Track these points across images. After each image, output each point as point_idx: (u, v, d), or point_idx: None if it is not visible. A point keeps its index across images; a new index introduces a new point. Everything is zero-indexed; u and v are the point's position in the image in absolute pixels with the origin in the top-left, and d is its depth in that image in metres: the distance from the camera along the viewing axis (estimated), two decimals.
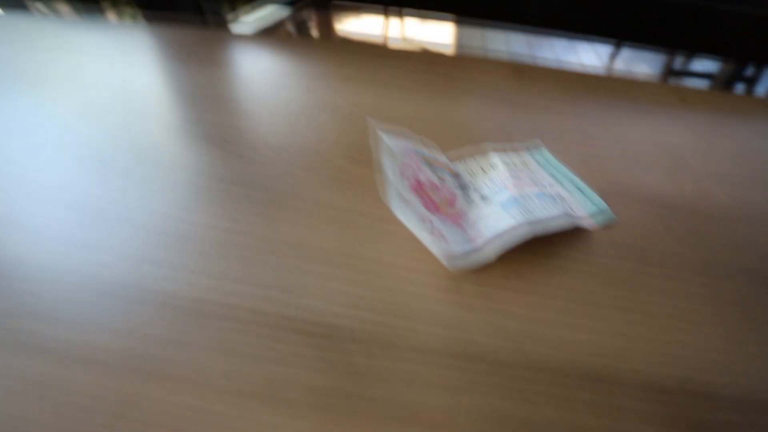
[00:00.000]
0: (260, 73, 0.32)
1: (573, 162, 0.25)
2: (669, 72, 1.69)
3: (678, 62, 1.78)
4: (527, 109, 0.29)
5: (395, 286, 0.17)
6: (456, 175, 0.22)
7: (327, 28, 1.55)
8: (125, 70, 0.31)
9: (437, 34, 2.19)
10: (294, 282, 0.17)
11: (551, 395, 0.14)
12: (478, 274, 0.18)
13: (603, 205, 0.22)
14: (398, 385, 0.14)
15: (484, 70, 0.33)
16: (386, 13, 2.10)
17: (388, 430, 0.13)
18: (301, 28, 1.16)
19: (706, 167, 0.26)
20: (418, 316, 0.16)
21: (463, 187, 0.22)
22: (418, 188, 0.19)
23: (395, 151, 0.19)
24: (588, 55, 2.15)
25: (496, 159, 0.23)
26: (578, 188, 0.23)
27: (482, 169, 0.23)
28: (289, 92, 0.30)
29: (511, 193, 0.20)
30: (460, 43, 2.21)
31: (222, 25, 0.58)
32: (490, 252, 0.18)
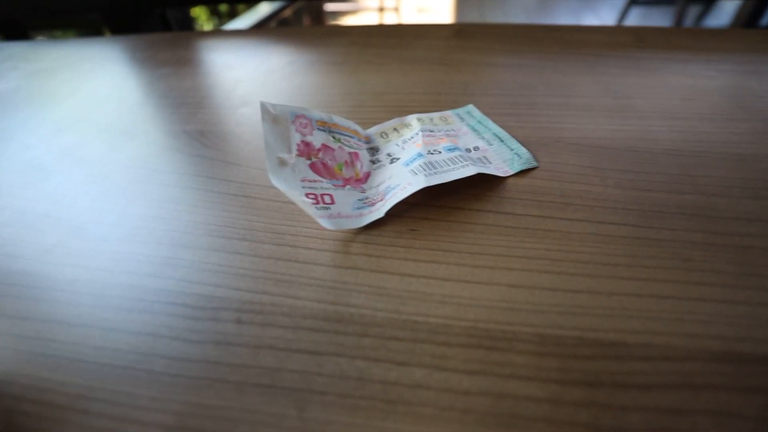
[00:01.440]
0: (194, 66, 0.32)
1: (502, 113, 0.23)
2: None
3: (690, 19, 1.68)
4: (461, 68, 0.27)
5: (281, 254, 0.16)
6: (367, 140, 0.21)
7: (319, 22, 1.55)
8: (101, 80, 0.31)
9: (434, 19, 2.16)
10: (177, 259, 0.16)
11: (425, 354, 0.13)
12: (369, 234, 0.16)
13: (522, 150, 0.20)
14: (263, 351, 0.13)
15: (422, 35, 0.32)
16: (381, 8, 2.08)
17: (244, 397, 0.12)
18: (289, 23, 1.17)
19: (652, 106, 0.23)
20: (298, 282, 0.15)
21: (373, 149, 0.20)
22: (307, 151, 0.18)
23: (279, 116, 0.18)
24: (590, 22, 2.06)
25: (412, 118, 0.22)
26: (498, 137, 0.21)
27: (396, 129, 0.21)
28: (217, 81, 0.29)
29: (418, 149, 0.19)
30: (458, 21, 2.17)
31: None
32: (381, 209, 0.16)
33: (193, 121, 0.25)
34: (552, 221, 0.16)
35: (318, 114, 0.19)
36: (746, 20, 1.04)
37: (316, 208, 0.16)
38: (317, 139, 0.18)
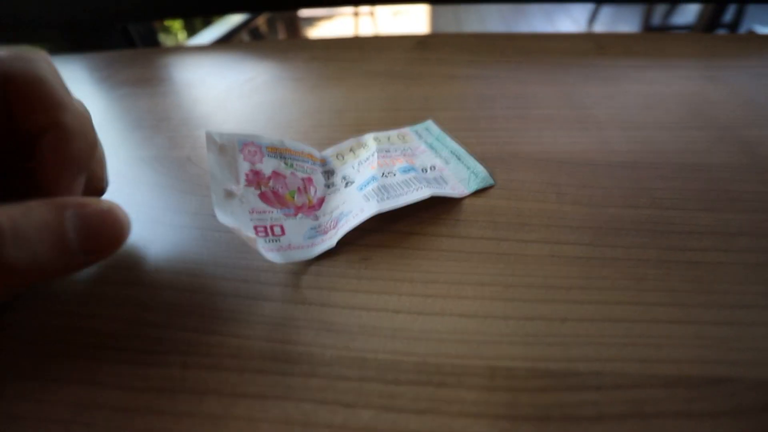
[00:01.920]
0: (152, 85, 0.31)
1: (462, 128, 0.23)
2: (648, 28, 1.63)
3: (657, 17, 1.73)
4: (422, 81, 0.27)
5: (230, 289, 0.16)
6: (322, 162, 0.20)
7: (294, 35, 1.54)
8: None
9: (410, 26, 2.16)
10: (125, 298, 0.16)
11: (373, 394, 0.12)
12: (321, 265, 0.16)
13: (479, 168, 0.20)
14: (208, 397, 0.13)
15: (384, 47, 0.31)
16: (356, 12, 2.08)
17: None
18: (256, 35, 1.16)
19: (611, 115, 0.23)
20: (246, 320, 0.14)
21: (328, 173, 0.20)
22: (256, 180, 0.17)
23: (225, 145, 0.17)
24: (566, 25, 2.10)
25: (369, 137, 0.21)
26: (455, 155, 0.20)
27: (352, 150, 0.21)
28: (173, 101, 0.28)
29: (372, 171, 0.18)
30: (434, 29, 2.18)
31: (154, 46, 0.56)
32: (333, 238, 0.16)
33: (148, 146, 0.24)
34: (507, 243, 0.16)
35: (268, 140, 0.18)
36: (710, 17, 1.07)
37: (265, 241, 0.15)
38: (267, 166, 0.18)
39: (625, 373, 0.12)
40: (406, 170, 0.19)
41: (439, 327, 0.14)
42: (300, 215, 0.17)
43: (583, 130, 0.22)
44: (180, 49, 0.37)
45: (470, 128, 0.23)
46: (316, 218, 0.17)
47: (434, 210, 0.18)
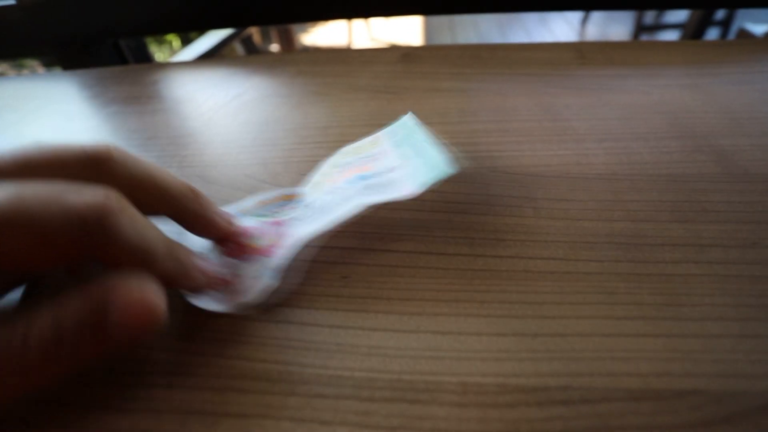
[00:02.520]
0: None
1: (441, 143, 0.23)
2: (640, 28, 1.65)
3: (649, 17, 1.74)
4: (405, 96, 0.27)
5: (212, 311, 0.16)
6: (298, 197, 0.20)
7: (287, 42, 1.55)
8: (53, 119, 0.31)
9: (404, 31, 2.17)
10: None
11: (349, 411, 0.13)
12: (302, 285, 0.16)
13: (437, 162, 0.18)
14: (191, 418, 0.13)
15: (369, 60, 0.32)
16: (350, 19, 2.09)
17: None
18: (249, 45, 1.16)
19: (589, 127, 0.24)
20: (230, 340, 0.15)
21: (301, 203, 0.19)
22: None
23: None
24: (560, 26, 2.11)
25: (338, 155, 0.21)
26: (418, 151, 0.19)
27: (322, 172, 0.20)
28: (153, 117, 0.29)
29: (325, 190, 0.18)
30: (428, 36, 2.19)
31: (146, 61, 0.57)
32: (271, 278, 0.16)
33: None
34: (482, 260, 0.17)
35: (242, 207, 0.19)
36: (701, 16, 1.08)
37: (219, 299, 0.15)
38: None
39: (593, 387, 0.13)
40: (351, 181, 0.18)
41: (414, 344, 0.14)
42: (258, 256, 0.17)
43: (561, 142, 0.23)
44: (169, 66, 0.38)
45: (450, 142, 0.23)
46: (273, 254, 0.17)
47: (413, 226, 0.18)
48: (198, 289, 0.15)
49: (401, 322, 0.15)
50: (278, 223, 0.18)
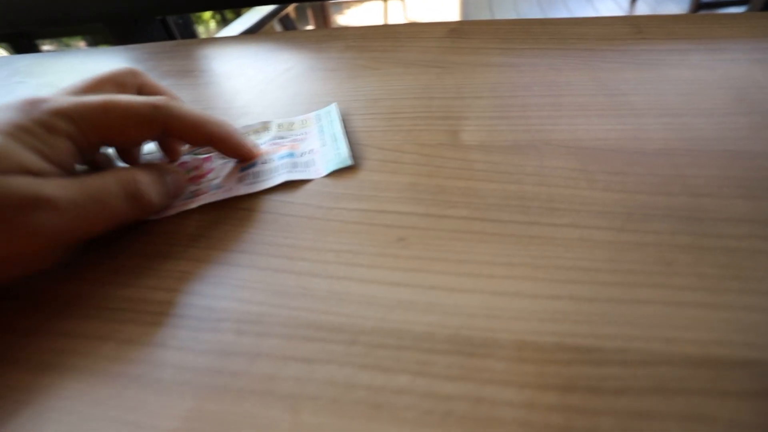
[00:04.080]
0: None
1: (493, 116, 0.23)
2: (698, 6, 1.53)
3: None
4: (454, 70, 0.27)
5: (277, 265, 0.17)
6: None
7: (324, 22, 1.55)
8: None
9: (441, 11, 2.12)
10: (180, 272, 0.17)
11: (410, 361, 0.13)
12: (361, 245, 0.17)
13: (342, 150, 0.22)
14: (260, 360, 0.14)
15: (416, 35, 0.32)
16: None
17: (244, 402, 0.13)
18: (287, 24, 1.17)
19: (648, 102, 0.23)
20: (293, 293, 0.16)
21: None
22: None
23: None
24: (606, 5, 1.99)
25: (274, 123, 0.25)
26: (334, 138, 0.23)
27: (256, 131, 0.24)
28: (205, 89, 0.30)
29: (261, 158, 0.22)
30: (466, 16, 2.13)
31: (193, 38, 0.59)
32: (197, 203, 0.20)
33: None
34: (537, 227, 0.17)
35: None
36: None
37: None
38: (177, 163, 0.23)
39: (651, 351, 0.13)
40: (282, 157, 0.22)
41: (471, 303, 0.15)
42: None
43: (617, 117, 0.22)
44: (217, 40, 0.39)
45: (503, 115, 0.23)
46: (198, 185, 0.22)
47: (467, 195, 0.19)
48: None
49: (458, 282, 0.15)
50: (208, 159, 0.23)
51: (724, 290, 0.14)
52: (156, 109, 0.19)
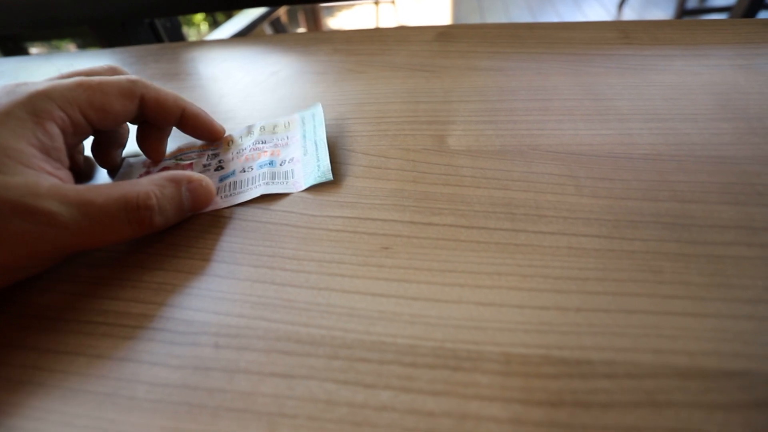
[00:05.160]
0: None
1: (480, 120, 0.23)
2: (683, 12, 1.56)
3: (693, 0, 1.64)
4: (442, 74, 0.27)
5: (257, 276, 0.16)
6: (215, 147, 0.24)
7: (315, 25, 1.54)
8: None
9: (432, 15, 2.13)
10: (158, 283, 0.17)
11: (392, 376, 0.13)
12: (343, 254, 0.17)
13: (324, 163, 0.21)
14: (238, 376, 0.14)
15: (404, 39, 0.31)
16: (377, 1, 2.06)
17: (220, 421, 0.13)
18: (278, 27, 1.16)
19: (634, 107, 0.23)
20: (273, 304, 0.15)
21: (214, 155, 0.23)
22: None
23: (133, 164, 0.23)
24: (594, 10, 2.02)
25: (257, 126, 0.24)
26: (316, 146, 0.22)
27: (241, 137, 0.23)
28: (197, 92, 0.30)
29: (237, 165, 0.22)
30: (457, 20, 2.14)
31: (181, 41, 0.58)
32: None
33: (176, 140, 0.25)
34: (524, 235, 0.16)
35: (168, 153, 0.24)
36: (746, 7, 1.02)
37: None
38: (158, 168, 0.22)
39: (638, 363, 0.13)
40: (262, 165, 0.21)
41: (456, 314, 0.14)
42: None
43: (604, 122, 0.22)
44: (205, 43, 0.38)
45: (490, 120, 0.23)
46: None
47: (452, 201, 0.18)
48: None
49: (443, 292, 0.15)
50: (189, 166, 0.22)
51: (711, 299, 0.14)
52: (133, 81, 0.20)
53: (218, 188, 0.20)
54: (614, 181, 0.19)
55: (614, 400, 0.12)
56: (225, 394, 0.13)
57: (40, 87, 0.17)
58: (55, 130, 0.17)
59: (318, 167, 0.20)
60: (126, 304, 0.16)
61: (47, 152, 0.17)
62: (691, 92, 0.24)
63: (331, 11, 2.16)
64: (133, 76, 0.20)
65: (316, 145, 0.22)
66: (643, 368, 0.12)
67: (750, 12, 1.04)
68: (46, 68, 0.38)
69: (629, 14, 1.87)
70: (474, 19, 2.05)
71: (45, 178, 0.16)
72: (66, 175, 0.18)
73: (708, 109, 0.23)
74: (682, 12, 1.57)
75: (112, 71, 0.21)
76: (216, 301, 0.16)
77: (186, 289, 0.16)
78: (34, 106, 0.17)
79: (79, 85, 0.18)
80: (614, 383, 0.12)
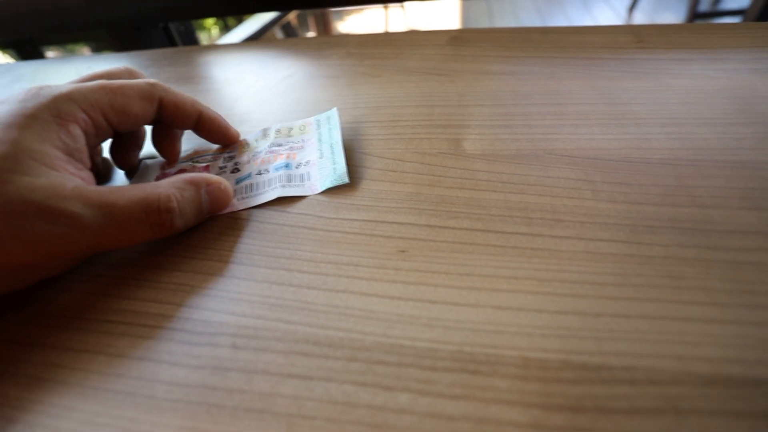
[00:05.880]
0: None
1: (495, 125, 0.23)
2: (695, 15, 1.54)
3: (705, 3, 1.63)
4: (456, 77, 0.27)
5: (275, 278, 0.17)
6: (231, 150, 0.24)
7: (324, 29, 1.56)
8: None
9: (442, 19, 2.13)
10: (176, 284, 0.17)
11: (411, 379, 0.13)
12: (360, 257, 0.17)
13: (340, 166, 0.21)
14: (257, 377, 0.14)
15: (417, 43, 0.32)
16: (386, 4, 2.07)
17: (239, 422, 0.13)
18: (289, 32, 1.17)
19: (650, 111, 0.23)
20: (291, 306, 0.15)
21: (230, 157, 0.23)
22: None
23: (150, 165, 0.23)
24: (604, 14, 2.01)
25: (273, 129, 0.24)
26: (332, 149, 0.22)
27: (257, 140, 0.24)
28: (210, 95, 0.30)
29: (253, 167, 0.22)
30: (466, 24, 2.15)
31: (194, 44, 0.59)
32: None
33: (191, 142, 0.25)
34: (541, 239, 0.16)
35: (183, 155, 0.24)
36: (765, 1, 1.01)
37: None
38: (175, 169, 0.23)
39: (660, 369, 0.12)
40: (278, 168, 0.21)
41: (474, 318, 0.14)
42: None
43: (620, 126, 0.22)
44: (218, 47, 0.39)
45: (505, 124, 0.23)
46: None
47: (469, 205, 0.18)
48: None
49: (460, 296, 0.15)
50: (206, 168, 0.23)
51: (733, 305, 0.14)
52: (152, 84, 0.20)
53: (235, 190, 0.21)
54: (631, 185, 0.19)
55: (636, 407, 0.12)
56: (244, 395, 0.13)
57: (64, 90, 0.18)
58: (78, 132, 0.18)
59: (334, 170, 0.20)
60: (144, 305, 0.16)
61: (70, 153, 0.17)
62: (708, 96, 0.24)
63: (340, 15, 2.17)
64: (152, 80, 0.21)
65: (331, 148, 0.22)
66: (665, 375, 0.12)
67: (764, 15, 1.03)
68: (66, 70, 0.39)
69: (640, 18, 1.85)
70: (483, 22, 2.05)
71: (69, 179, 0.16)
72: (88, 175, 0.18)
73: (726, 113, 0.23)
74: (694, 15, 1.56)
75: (129, 73, 0.22)
76: (234, 303, 0.16)
77: (204, 290, 0.17)
78: (58, 108, 0.17)
79: (101, 88, 0.19)
80: (636, 389, 0.12)
